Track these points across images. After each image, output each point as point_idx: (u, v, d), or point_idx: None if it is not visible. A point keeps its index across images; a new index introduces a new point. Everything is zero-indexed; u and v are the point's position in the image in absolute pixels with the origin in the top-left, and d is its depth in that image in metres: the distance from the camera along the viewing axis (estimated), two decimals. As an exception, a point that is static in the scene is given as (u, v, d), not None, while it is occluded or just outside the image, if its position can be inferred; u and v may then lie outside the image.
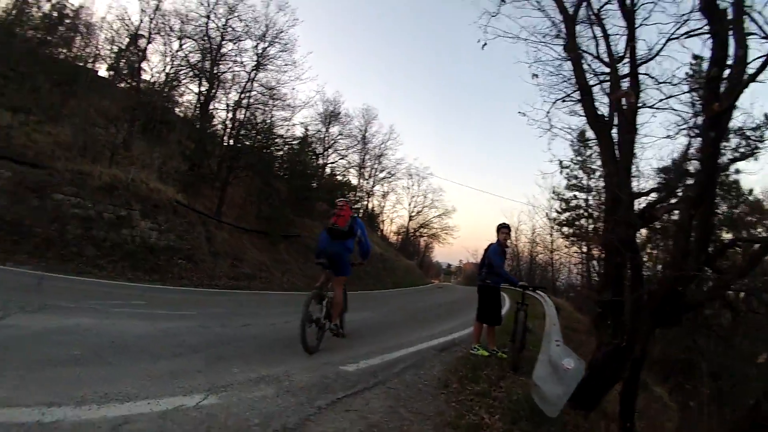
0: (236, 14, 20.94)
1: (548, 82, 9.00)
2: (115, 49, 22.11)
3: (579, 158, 30.65)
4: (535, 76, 8.40)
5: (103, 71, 23.76)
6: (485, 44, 8.84)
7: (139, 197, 13.82)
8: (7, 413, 2.91)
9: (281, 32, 21.70)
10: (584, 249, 31.80)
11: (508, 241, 7.88)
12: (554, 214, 34.25)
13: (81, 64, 21.64)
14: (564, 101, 8.44)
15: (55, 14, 20.77)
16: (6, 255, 9.68)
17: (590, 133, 10.13)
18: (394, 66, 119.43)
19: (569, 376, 4.05)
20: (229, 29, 21.01)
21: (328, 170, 33.02)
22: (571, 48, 8.64)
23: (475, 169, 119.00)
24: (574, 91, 9.19)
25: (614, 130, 7.65)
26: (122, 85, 22.20)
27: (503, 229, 7.65)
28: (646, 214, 7.14)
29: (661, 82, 7.62)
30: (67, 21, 21.43)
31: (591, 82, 8.79)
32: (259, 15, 21.90)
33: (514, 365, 6.67)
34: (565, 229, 32.94)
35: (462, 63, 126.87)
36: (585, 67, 8.60)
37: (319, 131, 31.21)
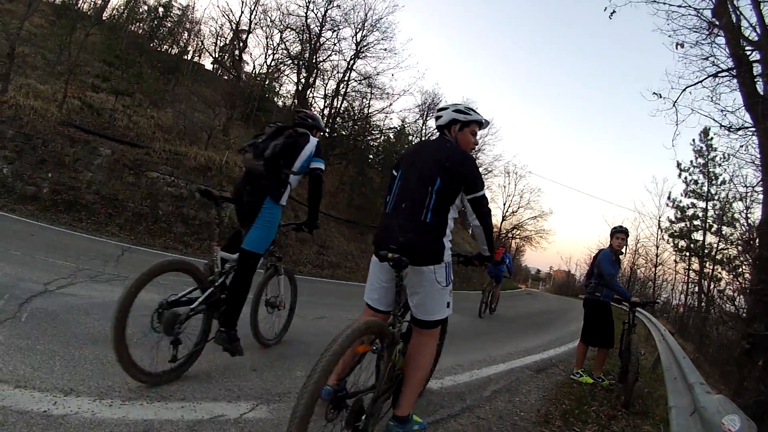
0: (335, 3, 20.78)
1: (691, 54, 7.49)
2: (220, 43, 23.16)
3: (700, 160, 27.23)
4: (680, 45, 6.90)
5: (207, 64, 25.10)
6: (614, 12, 7.52)
7: (231, 179, 13.88)
8: (15, 397, 2.35)
9: (380, 19, 21.26)
10: (696, 266, 28.09)
11: (624, 248, 6.44)
12: (666, 224, 30.63)
13: (186, 57, 22.97)
14: (717, 77, 6.85)
15: (161, 9, 22.16)
16: (98, 227, 9.93)
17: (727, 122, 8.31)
18: (498, 57, 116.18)
19: None
20: (328, 19, 20.90)
21: (423, 163, 32.01)
22: (721, 12, 7.05)
23: (577, 170, 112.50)
24: (722, 70, 7.58)
25: None
26: (225, 77, 23.11)
27: (619, 233, 6.24)
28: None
29: None
30: (173, 16, 22.86)
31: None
32: (357, 2, 21.75)
33: (626, 401, 5.31)
34: (677, 241, 29.30)
35: (570, 56, 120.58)
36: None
37: (416, 122, 30.47)
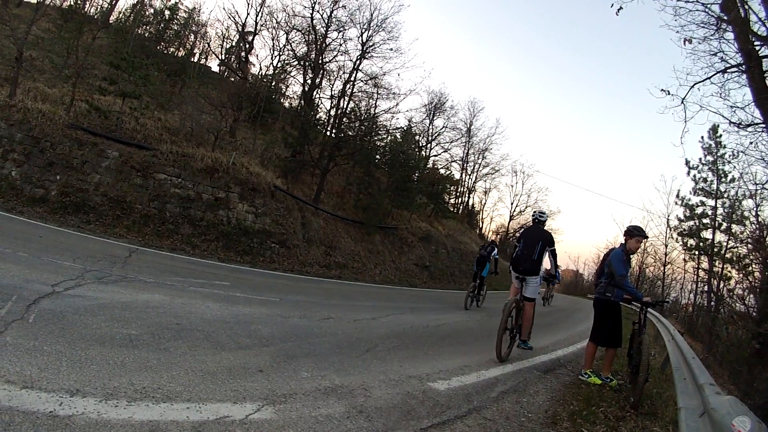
0: (340, 4, 20.76)
1: (699, 50, 7.40)
2: (226, 45, 23.26)
3: (709, 158, 26.99)
4: (688, 41, 6.83)
5: (214, 66, 25.23)
6: (620, 9, 7.45)
7: (238, 180, 13.95)
8: (21, 397, 2.35)
9: (386, 18, 21.15)
10: (705, 264, 27.78)
11: (638, 250, 6.30)
12: (675, 222, 30.32)
13: (193, 59, 23.08)
14: (726, 73, 6.77)
15: (167, 12, 22.29)
16: (106, 228, 10.00)
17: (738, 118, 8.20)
18: (505, 55, 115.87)
19: None
20: (334, 19, 20.89)
21: (430, 163, 31.74)
22: (729, 7, 6.96)
23: (585, 169, 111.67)
24: (731, 66, 7.49)
25: None
26: (232, 79, 23.20)
27: (638, 236, 5.99)
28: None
29: None
30: (179, 19, 23.01)
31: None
32: (363, 2, 21.71)
33: (635, 402, 5.21)
34: (686, 240, 29.03)
35: (576, 54, 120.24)
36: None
37: (422, 122, 30.24)
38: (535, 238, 6.34)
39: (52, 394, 2.47)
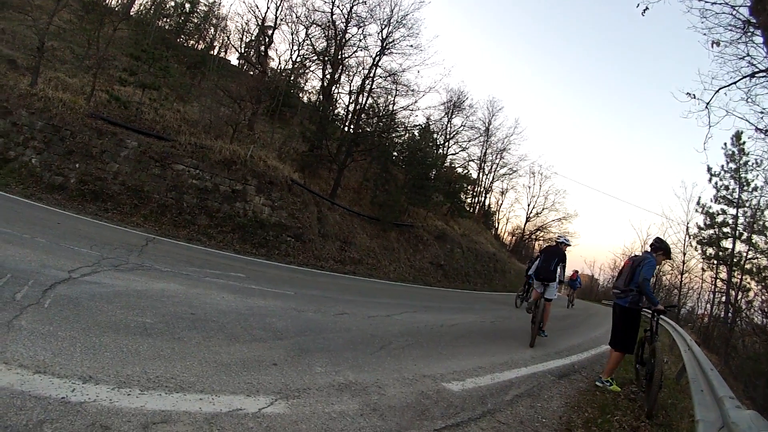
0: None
1: (726, 54, 7.17)
2: (246, 39, 23.35)
3: (732, 165, 26.39)
4: (716, 44, 6.63)
5: (233, 59, 25.38)
6: (646, 9, 7.26)
7: (255, 173, 13.96)
8: (34, 382, 2.34)
9: (406, 15, 21.00)
10: (724, 275, 27.17)
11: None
12: (694, 230, 29.67)
13: (212, 52, 23.22)
14: (753, 77, 6.57)
15: (187, 5, 22.44)
16: (123, 217, 10.07)
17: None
18: (526, 57, 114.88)
19: None
20: (354, 15, 20.81)
21: (447, 161, 31.36)
22: (758, 10, 6.74)
23: (604, 172, 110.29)
24: (759, 71, 7.26)
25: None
26: (251, 73, 23.29)
27: (666, 255, 6.04)
28: None
29: None
30: (200, 12, 23.19)
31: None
32: (384, -2, 21.61)
33: (649, 412, 5.05)
34: (705, 249, 28.42)
35: (599, 56, 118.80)
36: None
37: (441, 120, 29.97)
38: (554, 254, 8.34)
39: (64, 380, 2.45)
